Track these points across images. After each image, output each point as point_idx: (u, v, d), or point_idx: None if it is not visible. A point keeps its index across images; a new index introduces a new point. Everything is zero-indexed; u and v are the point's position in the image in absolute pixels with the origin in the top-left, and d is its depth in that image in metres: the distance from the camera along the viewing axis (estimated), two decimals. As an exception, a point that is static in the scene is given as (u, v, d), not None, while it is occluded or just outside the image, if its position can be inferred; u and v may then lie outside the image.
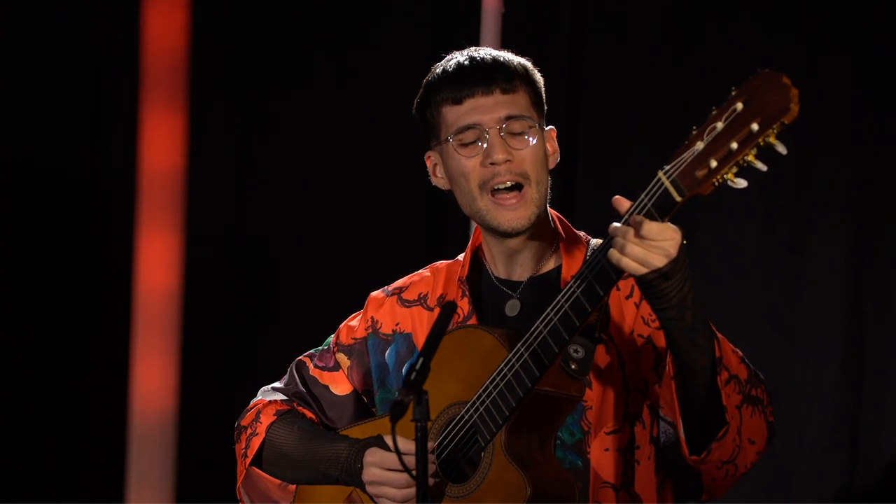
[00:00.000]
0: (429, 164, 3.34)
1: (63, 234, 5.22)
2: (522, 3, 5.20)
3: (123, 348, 4.66)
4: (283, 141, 5.34)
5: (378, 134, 5.31)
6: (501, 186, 3.22)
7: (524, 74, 3.27)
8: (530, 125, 3.24)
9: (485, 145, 3.22)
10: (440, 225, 5.30)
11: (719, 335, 3.04)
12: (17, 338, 5.14)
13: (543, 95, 3.31)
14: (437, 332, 2.88)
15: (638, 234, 2.86)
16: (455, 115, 3.25)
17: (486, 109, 3.23)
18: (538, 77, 3.31)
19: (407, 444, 3.04)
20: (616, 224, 2.91)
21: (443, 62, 3.32)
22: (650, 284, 2.90)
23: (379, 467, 3.18)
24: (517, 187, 3.22)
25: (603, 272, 2.96)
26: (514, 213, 3.23)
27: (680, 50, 5.08)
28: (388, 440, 3.18)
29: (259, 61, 5.32)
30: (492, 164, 3.21)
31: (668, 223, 2.88)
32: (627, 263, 2.88)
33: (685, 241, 2.90)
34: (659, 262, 2.87)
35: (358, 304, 3.57)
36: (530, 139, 3.23)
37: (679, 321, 2.94)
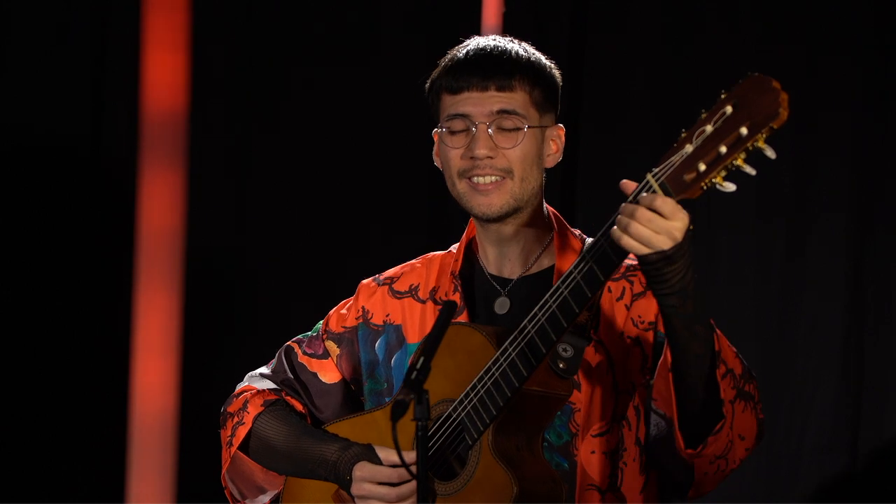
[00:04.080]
0: (436, 140, 3.35)
1: (65, 221, 5.21)
2: (522, 3, 5.20)
3: (124, 347, 4.67)
4: (283, 141, 5.34)
5: (378, 134, 5.31)
6: (480, 180, 3.23)
7: (530, 72, 3.26)
8: (523, 124, 3.23)
9: (471, 137, 3.23)
10: (441, 226, 5.29)
11: (717, 330, 3.03)
12: (17, 334, 5.14)
13: (556, 94, 3.32)
14: (438, 332, 2.88)
15: (650, 208, 2.83)
16: (449, 102, 3.26)
17: (477, 102, 3.23)
18: (551, 75, 3.31)
19: (402, 455, 3.05)
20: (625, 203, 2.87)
21: (460, 46, 3.32)
22: (653, 266, 2.87)
23: (369, 482, 3.18)
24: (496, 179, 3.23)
25: (605, 255, 2.93)
26: (487, 199, 3.23)
27: (680, 50, 5.08)
28: (380, 451, 3.19)
29: (259, 62, 5.32)
30: (472, 157, 3.22)
31: (680, 206, 2.84)
32: (628, 242, 2.85)
33: (692, 227, 2.87)
34: (664, 244, 2.84)
35: (359, 302, 3.56)
36: (520, 138, 3.23)
37: (680, 308, 2.92)
